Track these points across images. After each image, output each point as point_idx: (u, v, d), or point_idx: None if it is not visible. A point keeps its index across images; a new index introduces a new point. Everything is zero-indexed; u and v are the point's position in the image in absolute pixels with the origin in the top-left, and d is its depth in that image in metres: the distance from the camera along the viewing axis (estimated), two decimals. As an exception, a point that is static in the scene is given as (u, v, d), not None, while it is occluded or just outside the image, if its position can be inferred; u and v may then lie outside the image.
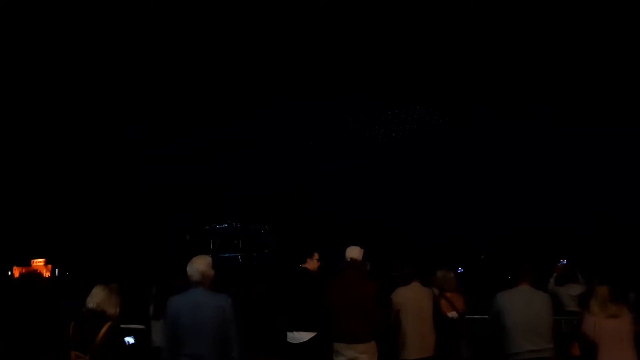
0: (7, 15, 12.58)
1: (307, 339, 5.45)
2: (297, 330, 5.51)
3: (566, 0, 12.68)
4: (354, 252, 5.45)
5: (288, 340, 5.56)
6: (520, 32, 13.69)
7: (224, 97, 17.56)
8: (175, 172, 18.88)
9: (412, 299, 5.63)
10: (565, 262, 8.78)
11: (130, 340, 5.10)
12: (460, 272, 11.84)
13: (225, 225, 18.31)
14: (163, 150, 18.73)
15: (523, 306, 4.79)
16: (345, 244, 5.54)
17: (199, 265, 4.15)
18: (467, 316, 6.55)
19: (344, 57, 15.14)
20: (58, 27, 13.68)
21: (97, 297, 4.19)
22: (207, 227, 18.12)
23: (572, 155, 16.08)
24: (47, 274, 16.53)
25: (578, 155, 15.95)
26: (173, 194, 19.00)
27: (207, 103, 17.71)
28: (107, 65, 15.50)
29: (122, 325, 4.43)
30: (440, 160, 18.21)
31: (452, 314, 6.37)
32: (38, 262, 18.24)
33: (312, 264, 5.83)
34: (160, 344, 5.42)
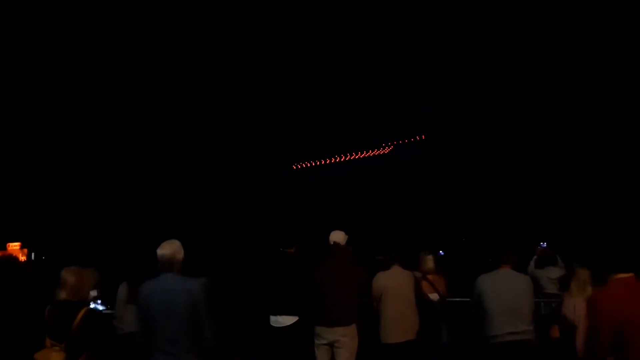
0: (8, 16, 12.27)
1: (289, 323, 5.43)
2: (280, 314, 5.50)
3: (566, 1, 12.65)
4: (336, 237, 5.42)
5: (271, 324, 5.55)
6: (520, 32, 13.65)
7: (224, 97, 17.40)
8: (175, 172, 18.70)
9: (394, 283, 5.62)
10: (545, 245, 8.86)
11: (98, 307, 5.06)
12: (441, 255, 11.91)
13: None
14: (163, 150, 18.53)
15: (503, 289, 4.80)
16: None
17: (166, 250, 4.10)
18: (448, 299, 6.58)
19: (345, 57, 15.05)
20: (58, 28, 13.39)
21: (71, 281, 4.09)
22: None
23: (572, 155, 16.16)
24: (22, 258, 16.29)
25: (578, 155, 16.03)
26: (172, 194, 18.82)
27: (207, 103, 17.53)
28: (107, 66, 15.23)
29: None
30: (440, 160, 18.23)
31: (434, 296, 6.39)
32: (13, 246, 17.97)
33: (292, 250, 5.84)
34: (131, 330, 5.36)
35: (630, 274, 3.10)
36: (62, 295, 4.06)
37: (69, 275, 4.09)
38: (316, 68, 15.36)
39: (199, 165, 19.18)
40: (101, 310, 7.23)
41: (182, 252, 4.16)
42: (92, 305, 7.60)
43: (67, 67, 14.94)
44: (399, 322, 5.51)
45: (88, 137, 17.50)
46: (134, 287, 5.75)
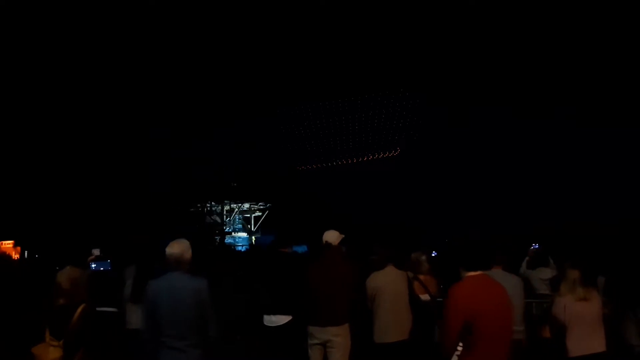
0: (29, 20, 12.27)
1: (283, 322, 5.46)
2: (274, 313, 5.52)
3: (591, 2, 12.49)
4: (329, 236, 5.45)
5: (265, 323, 5.57)
6: (541, 33, 13.51)
7: (238, 100, 17.43)
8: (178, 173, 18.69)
9: (388, 283, 5.65)
10: (537, 246, 8.92)
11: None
12: (434, 255, 11.96)
13: None
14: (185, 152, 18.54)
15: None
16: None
17: (176, 249, 4.24)
18: (439, 299, 6.60)
19: (347, 59, 14.98)
20: (79, 32, 13.37)
21: (66, 287, 4.17)
22: None
23: (595, 155, 15.98)
24: (16, 256, 16.21)
25: (599, 155, 15.85)
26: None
27: (225, 105, 17.53)
28: (102, 63, 15.19)
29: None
30: (454, 161, 18.13)
31: (425, 297, 6.41)
32: (7, 244, 17.89)
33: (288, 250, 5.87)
34: (137, 327, 5.39)
35: (480, 272, 3.48)
36: (60, 301, 4.16)
37: (64, 281, 4.20)
38: (321, 71, 15.34)
39: (199, 166, 19.31)
40: (102, 271, 7.35)
41: (190, 251, 4.32)
42: (93, 266, 7.75)
43: (67, 66, 14.91)
44: (393, 322, 5.54)
45: (84, 137, 17.48)
46: (137, 286, 5.79)
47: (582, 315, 4.86)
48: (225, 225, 33.43)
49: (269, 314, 5.56)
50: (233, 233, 34.13)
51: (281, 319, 5.48)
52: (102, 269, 7.64)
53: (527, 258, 8.30)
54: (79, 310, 4.03)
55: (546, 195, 17.21)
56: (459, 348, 3.33)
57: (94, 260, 8.08)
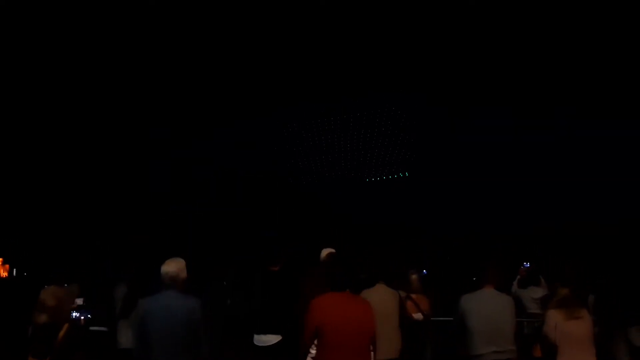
0: (28, 17, 12.23)
1: (274, 342, 5.42)
2: (265, 332, 5.48)
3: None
4: (325, 253, 5.48)
5: (255, 343, 5.53)
6: (541, 34, 13.41)
7: (236, 100, 17.36)
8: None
9: (377, 302, 5.59)
10: (528, 265, 8.96)
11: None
12: (425, 274, 11.95)
13: None
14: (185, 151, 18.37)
15: (487, 309, 4.84)
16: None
17: (171, 268, 4.24)
18: (432, 318, 6.60)
19: (347, 59, 14.93)
20: (87, 40, 13.33)
21: (51, 304, 4.08)
22: None
23: (594, 155, 15.79)
24: (4, 274, 16.03)
25: (599, 155, 15.66)
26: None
27: (225, 105, 17.42)
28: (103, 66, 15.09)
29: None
30: (453, 161, 17.94)
31: (418, 316, 6.41)
32: (-5, 262, 17.69)
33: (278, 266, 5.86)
34: (127, 346, 5.34)
35: (345, 291, 4.07)
36: (43, 318, 4.01)
37: (48, 299, 4.05)
38: (320, 70, 15.29)
39: (200, 166, 19.13)
40: (87, 318, 7.28)
41: (186, 271, 4.32)
42: (75, 314, 7.67)
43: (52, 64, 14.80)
44: (382, 341, 5.47)
45: (82, 139, 17.28)
46: (127, 303, 5.75)
47: (573, 334, 4.86)
48: None
49: (259, 333, 5.52)
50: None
51: (272, 339, 5.44)
52: (82, 317, 7.45)
53: (518, 277, 8.33)
54: (64, 328, 3.95)
55: (546, 195, 17.10)
56: (312, 351, 3.98)
57: (76, 309, 7.80)
